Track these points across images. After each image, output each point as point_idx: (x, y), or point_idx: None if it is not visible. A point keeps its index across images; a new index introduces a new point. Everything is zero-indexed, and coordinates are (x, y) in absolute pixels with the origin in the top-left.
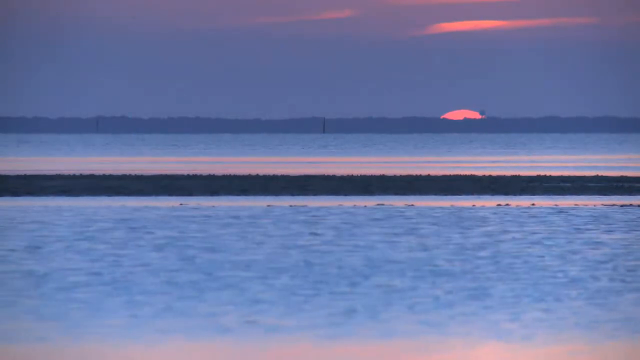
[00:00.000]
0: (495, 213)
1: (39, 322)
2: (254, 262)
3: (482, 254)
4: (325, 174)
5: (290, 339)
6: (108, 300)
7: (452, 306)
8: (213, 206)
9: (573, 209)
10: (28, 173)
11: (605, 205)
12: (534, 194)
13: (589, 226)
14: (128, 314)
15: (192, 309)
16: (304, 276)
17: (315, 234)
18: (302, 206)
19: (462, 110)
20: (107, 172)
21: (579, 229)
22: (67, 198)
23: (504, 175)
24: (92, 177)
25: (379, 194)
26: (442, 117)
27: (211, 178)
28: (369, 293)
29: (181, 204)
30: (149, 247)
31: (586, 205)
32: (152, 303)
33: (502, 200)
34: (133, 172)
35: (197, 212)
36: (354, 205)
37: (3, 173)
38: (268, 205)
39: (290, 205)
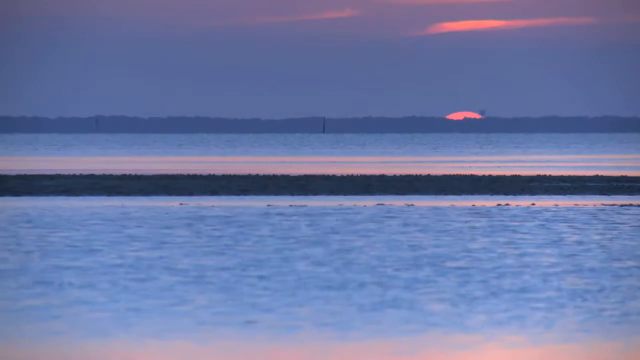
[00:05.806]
0: (500, 211)
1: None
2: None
3: (486, 254)
4: (325, 174)
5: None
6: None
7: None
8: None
9: (573, 208)
10: (28, 173)
11: (605, 205)
12: (534, 194)
13: (589, 226)
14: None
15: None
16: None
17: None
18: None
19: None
20: (107, 172)
21: (578, 228)
22: (68, 198)
23: (504, 175)
24: (92, 177)
25: (379, 194)
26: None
27: (211, 178)
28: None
29: (181, 204)
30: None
31: (586, 205)
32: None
33: (502, 200)
34: (133, 172)
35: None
36: (354, 204)
37: (3, 173)
38: (268, 205)
39: (290, 205)
